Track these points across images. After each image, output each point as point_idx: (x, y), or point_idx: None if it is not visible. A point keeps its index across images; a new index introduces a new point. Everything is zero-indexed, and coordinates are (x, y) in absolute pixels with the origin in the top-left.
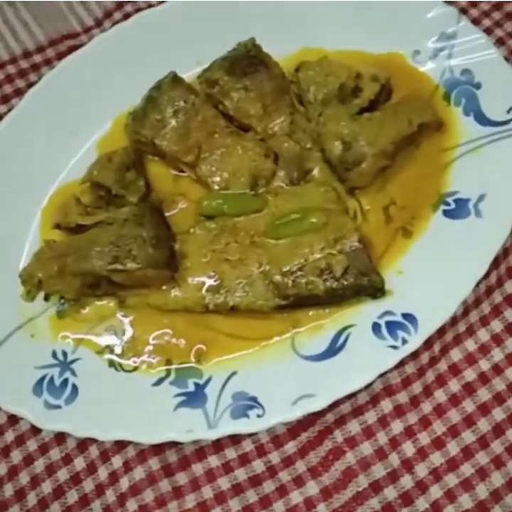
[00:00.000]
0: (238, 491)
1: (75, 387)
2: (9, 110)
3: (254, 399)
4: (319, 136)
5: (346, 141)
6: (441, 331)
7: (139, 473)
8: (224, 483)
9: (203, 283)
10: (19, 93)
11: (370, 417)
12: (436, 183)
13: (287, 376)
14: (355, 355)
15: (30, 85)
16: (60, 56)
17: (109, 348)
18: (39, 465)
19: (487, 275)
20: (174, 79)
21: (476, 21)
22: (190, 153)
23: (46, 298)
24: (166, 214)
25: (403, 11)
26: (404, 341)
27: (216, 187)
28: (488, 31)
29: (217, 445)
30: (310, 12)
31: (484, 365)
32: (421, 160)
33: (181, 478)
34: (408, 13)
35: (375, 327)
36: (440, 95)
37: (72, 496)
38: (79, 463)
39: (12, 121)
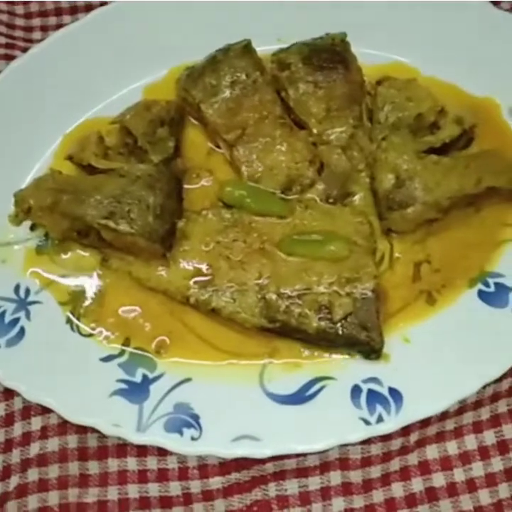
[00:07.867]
0: (144, 505)
1: (22, 331)
2: (73, 21)
3: (195, 417)
4: (375, 161)
5: (401, 178)
6: (425, 421)
7: (52, 444)
8: (133, 491)
9: (193, 272)
10: (90, 8)
11: (313, 483)
12: (483, 258)
13: (240, 407)
14: (321, 413)
15: (103, 3)
16: None
17: (73, 304)
18: None
19: (499, 379)
20: (246, 48)
21: None
22: (232, 131)
23: (32, 228)
24: (185, 186)
25: None
26: (380, 419)
27: (246, 176)
28: None
29: (142, 449)
30: (416, 27)
31: (459, 475)
32: (476, 226)
33: (92, 468)
34: None
35: (355, 390)
36: None
37: None
38: None
39: (69, 35)
